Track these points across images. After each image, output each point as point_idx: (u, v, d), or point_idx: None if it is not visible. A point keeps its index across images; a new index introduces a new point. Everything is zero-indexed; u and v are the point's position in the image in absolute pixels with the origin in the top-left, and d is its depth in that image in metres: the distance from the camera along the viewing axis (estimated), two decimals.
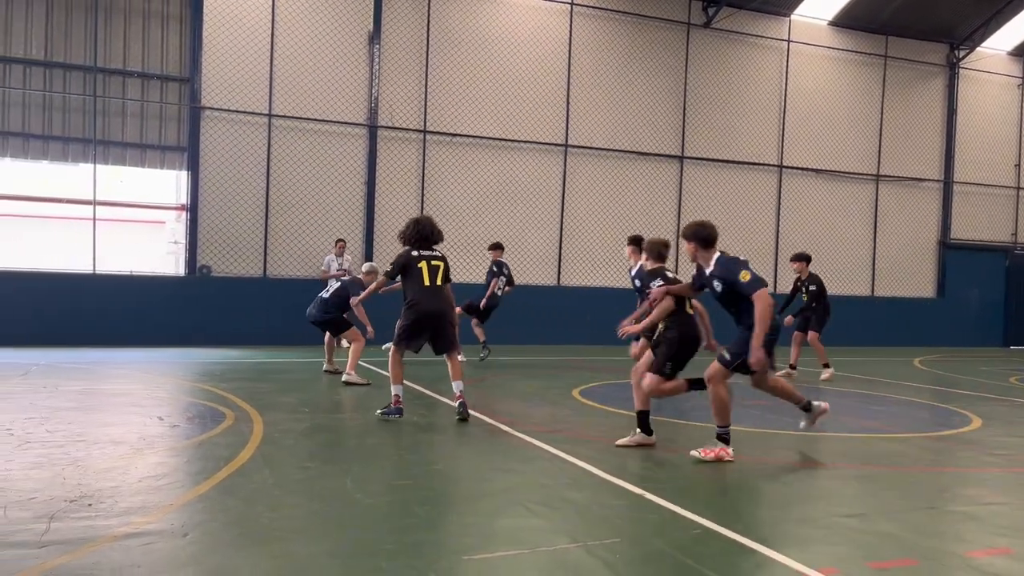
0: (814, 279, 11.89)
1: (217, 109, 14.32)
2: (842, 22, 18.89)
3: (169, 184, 15.17)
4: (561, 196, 16.89)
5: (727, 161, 18.17)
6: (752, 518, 4.56)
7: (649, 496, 4.87)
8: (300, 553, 3.75)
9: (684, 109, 17.75)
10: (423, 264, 7.32)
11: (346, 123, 15.22)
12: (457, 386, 7.36)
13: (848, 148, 19.32)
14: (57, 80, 13.67)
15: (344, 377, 9.53)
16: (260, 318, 14.15)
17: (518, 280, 13.58)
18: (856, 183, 19.48)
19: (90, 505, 4.37)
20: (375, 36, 15.26)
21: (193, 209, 14.28)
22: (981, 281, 20.72)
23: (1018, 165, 21.10)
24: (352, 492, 4.86)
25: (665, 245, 6.88)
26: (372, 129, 15.34)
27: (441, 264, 7.44)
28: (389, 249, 15.58)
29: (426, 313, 7.25)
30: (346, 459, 5.88)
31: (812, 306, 11.85)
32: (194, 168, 14.26)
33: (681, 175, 17.85)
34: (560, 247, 16.87)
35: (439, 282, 7.34)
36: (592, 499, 4.89)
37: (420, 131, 15.71)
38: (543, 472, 5.54)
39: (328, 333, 10.40)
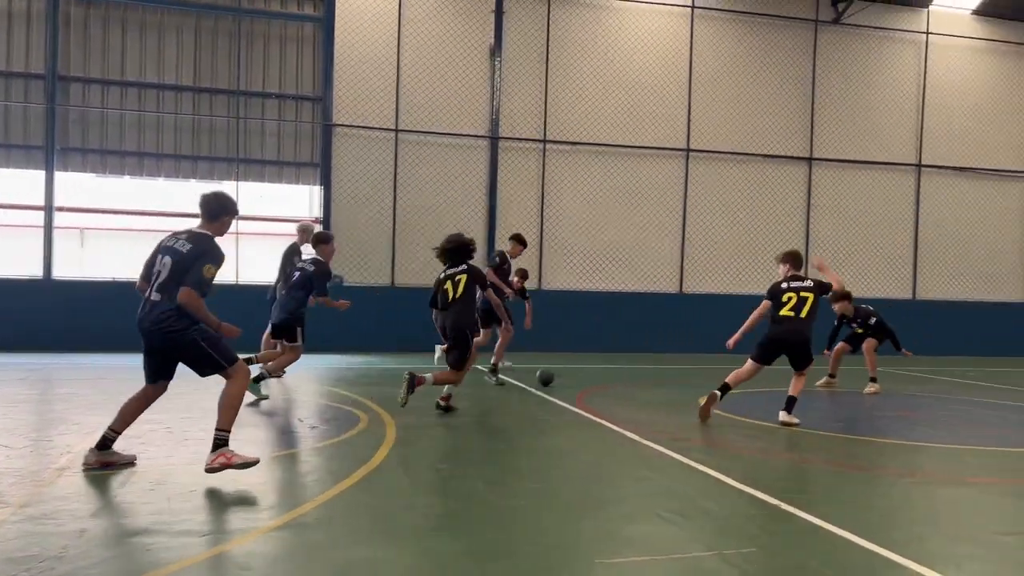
0: None
1: (347, 126, 14.97)
2: (987, 10, 17.70)
3: (303, 199, 15.95)
4: (683, 202, 16.61)
5: (860, 162, 17.38)
6: (900, 533, 4.32)
7: (786, 507, 4.71)
8: (438, 551, 3.85)
9: (812, 109, 17.11)
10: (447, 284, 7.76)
11: (468, 135, 15.56)
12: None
13: (996, 144, 18.07)
14: (204, 104, 14.67)
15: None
16: (389, 325, 14.62)
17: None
18: (1007, 181, 18.17)
19: (244, 499, 4.66)
20: (496, 49, 15.54)
21: (326, 222, 14.95)
22: None
23: None
24: (485, 494, 4.96)
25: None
26: (493, 140, 15.61)
27: (462, 277, 7.72)
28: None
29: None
30: (477, 462, 6.00)
31: None
32: (326, 183, 14.96)
33: (810, 177, 17.21)
34: (682, 254, 16.58)
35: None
36: (726, 508, 4.78)
37: (540, 141, 15.86)
38: (675, 480, 5.46)
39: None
